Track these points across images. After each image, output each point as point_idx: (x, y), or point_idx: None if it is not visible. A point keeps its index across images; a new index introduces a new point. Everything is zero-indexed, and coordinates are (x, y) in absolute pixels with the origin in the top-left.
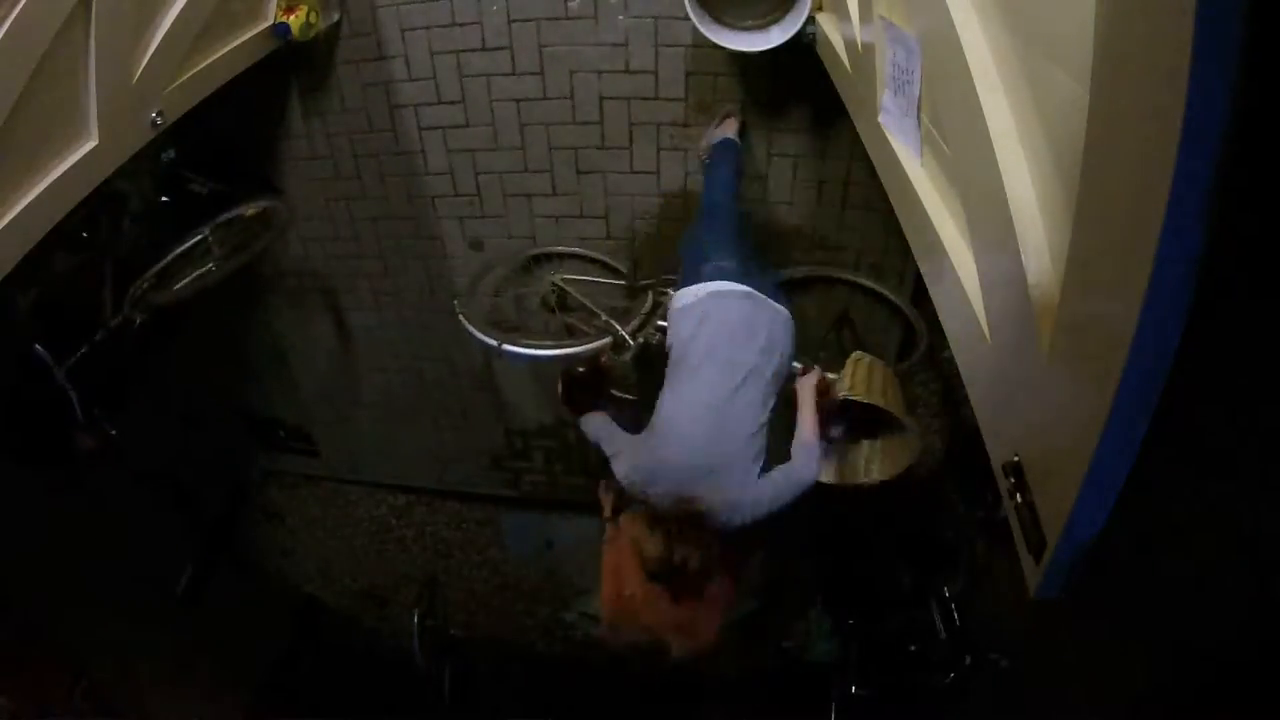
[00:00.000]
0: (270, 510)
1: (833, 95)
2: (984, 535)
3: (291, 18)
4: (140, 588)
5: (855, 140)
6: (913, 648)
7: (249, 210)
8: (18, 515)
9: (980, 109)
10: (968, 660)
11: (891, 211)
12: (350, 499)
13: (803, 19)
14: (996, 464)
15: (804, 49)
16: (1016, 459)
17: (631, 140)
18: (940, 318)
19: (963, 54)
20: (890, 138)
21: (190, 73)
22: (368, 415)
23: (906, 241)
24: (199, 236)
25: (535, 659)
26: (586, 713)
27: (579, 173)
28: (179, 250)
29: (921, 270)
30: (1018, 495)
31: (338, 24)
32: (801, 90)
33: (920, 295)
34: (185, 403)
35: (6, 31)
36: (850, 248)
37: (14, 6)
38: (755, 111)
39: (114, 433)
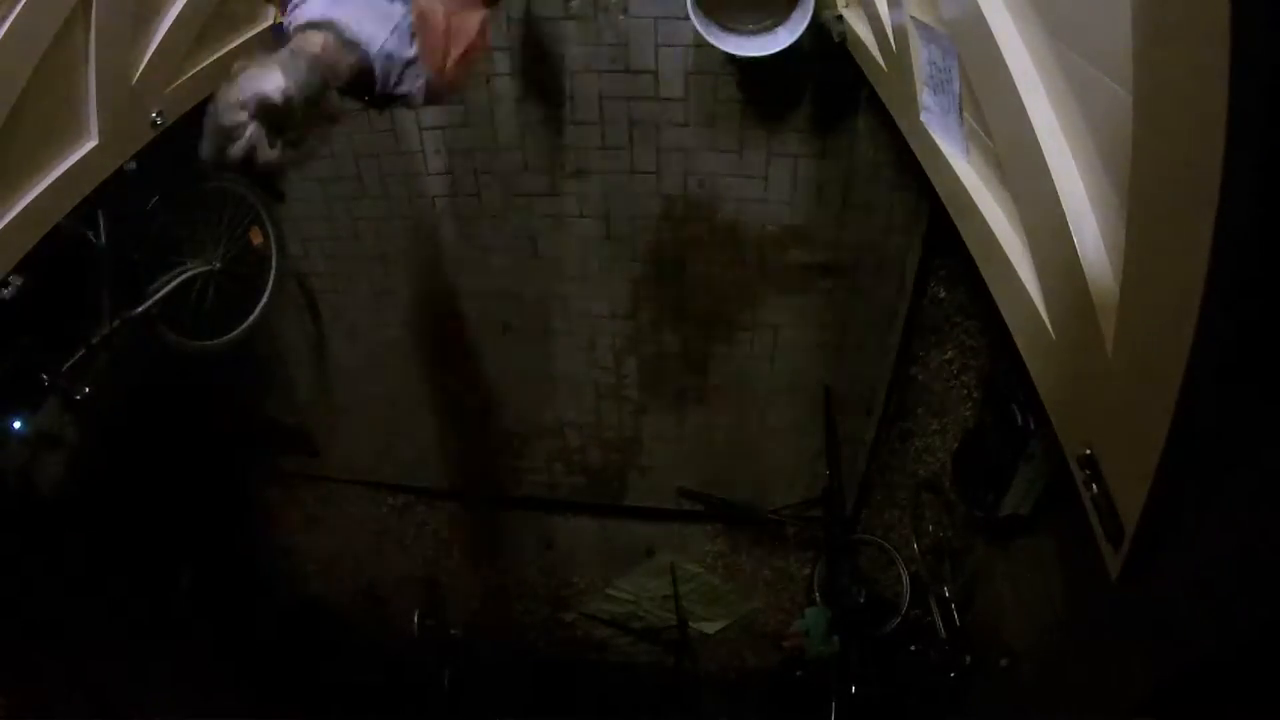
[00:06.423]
0: (270, 510)
1: (832, 95)
2: (984, 535)
3: None
4: (140, 587)
5: (855, 140)
6: (913, 648)
7: (256, 237)
8: (15, 515)
9: (1023, 108)
10: (968, 660)
11: (891, 211)
12: (350, 499)
13: (808, 17)
14: (1070, 456)
15: (805, 48)
16: (1089, 452)
17: (631, 140)
18: (1002, 313)
19: (1000, 54)
20: (935, 136)
21: (190, 73)
22: (367, 415)
23: (907, 241)
24: (206, 268)
25: (535, 659)
26: (586, 713)
27: (579, 172)
28: (183, 277)
29: (980, 267)
30: (1093, 486)
31: None
32: (801, 90)
33: (920, 294)
34: (184, 403)
35: (6, 31)
36: (850, 248)
37: (14, 6)
38: (755, 111)
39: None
